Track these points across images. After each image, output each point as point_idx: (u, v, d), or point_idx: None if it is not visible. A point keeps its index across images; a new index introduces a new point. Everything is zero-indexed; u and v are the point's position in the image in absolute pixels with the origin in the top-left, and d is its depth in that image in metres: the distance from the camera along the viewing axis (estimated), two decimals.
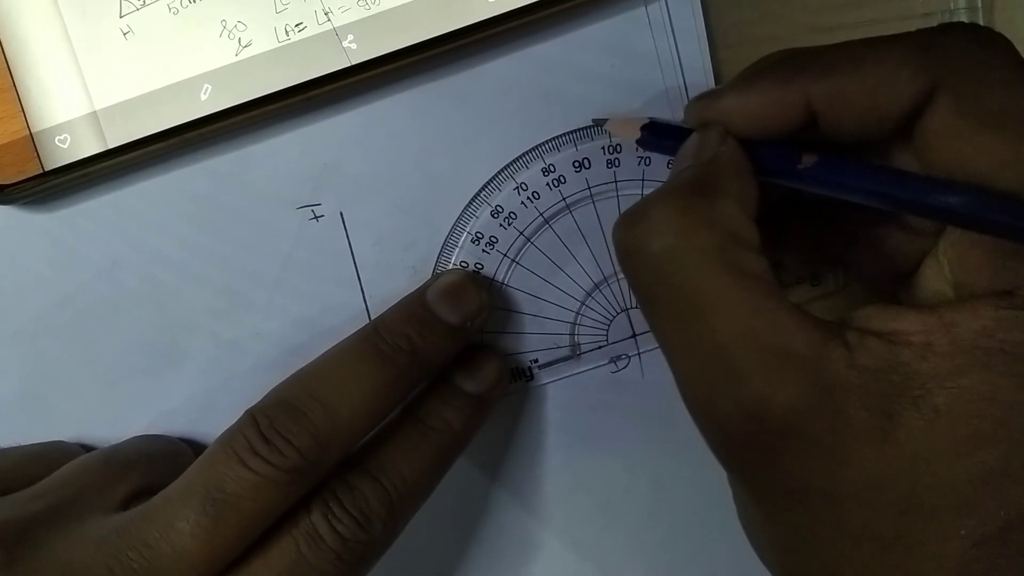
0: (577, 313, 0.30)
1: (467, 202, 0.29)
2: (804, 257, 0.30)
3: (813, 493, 0.20)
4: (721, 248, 0.21)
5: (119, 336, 0.28)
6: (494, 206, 0.29)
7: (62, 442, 0.28)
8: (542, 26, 0.27)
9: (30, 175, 0.26)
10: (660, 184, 0.23)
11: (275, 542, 0.24)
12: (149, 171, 0.27)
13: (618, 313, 0.30)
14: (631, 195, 0.29)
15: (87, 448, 0.28)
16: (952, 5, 0.29)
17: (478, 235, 0.29)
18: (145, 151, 0.26)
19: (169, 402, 0.29)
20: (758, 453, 0.21)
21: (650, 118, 0.26)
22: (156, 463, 0.27)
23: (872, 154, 0.24)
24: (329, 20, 0.26)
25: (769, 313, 0.20)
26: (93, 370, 0.28)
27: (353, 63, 0.26)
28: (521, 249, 0.29)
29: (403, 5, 0.26)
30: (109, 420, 0.28)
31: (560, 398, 0.31)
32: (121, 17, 0.25)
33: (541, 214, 0.29)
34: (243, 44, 0.26)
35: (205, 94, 0.26)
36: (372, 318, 0.29)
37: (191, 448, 0.29)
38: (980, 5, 0.29)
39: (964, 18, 0.29)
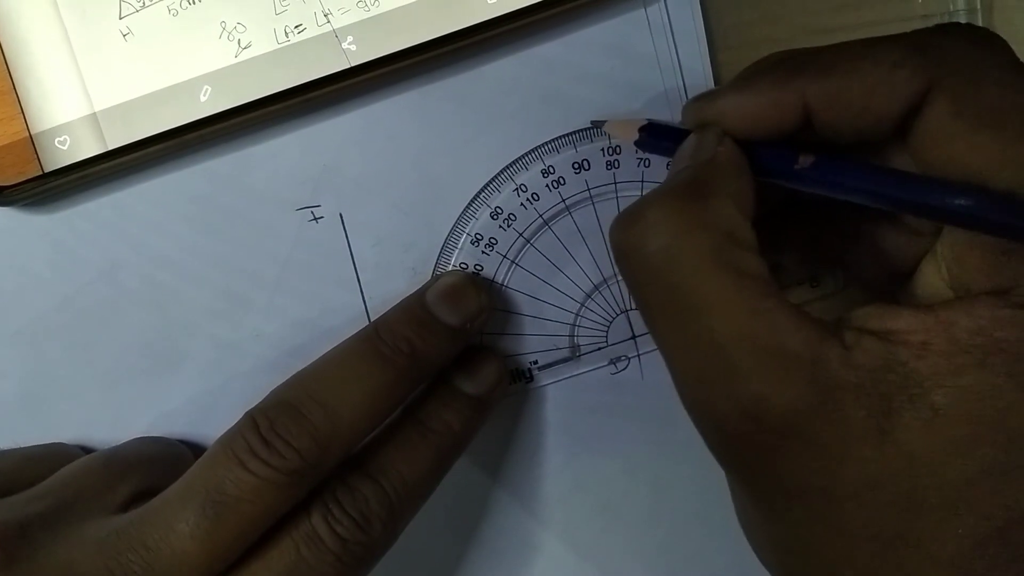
0: (577, 315, 0.30)
1: (467, 203, 0.29)
2: (803, 258, 0.30)
3: (812, 493, 0.20)
4: (718, 248, 0.21)
5: (119, 337, 0.28)
6: (494, 207, 0.29)
7: (62, 444, 0.28)
8: (541, 28, 0.27)
9: (30, 176, 0.26)
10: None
11: (275, 544, 0.24)
12: (149, 172, 0.27)
13: (618, 315, 0.30)
14: (630, 196, 0.29)
15: (87, 450, 0.28)
16: (951, 7, 0.30)
17: (478, 236, 0.29)
18: (145, 152, 0.26)
19: (169, 403, 0.29)
20: (756, 453, 0.21)
21: (648, 120, 0.26)
22: (156, 465, 0.27)
23: (869, 154, 0.24)
24: (329, 22, 0.26)
25: (766, 313, 0.20)
26: (93, 371, 0.28)
27: (353, 64, 0.26)
28: (521, 250, 0.29)
29: (403, 7, 0.26)
30: (109, 422, 0.29)
31: (560, 399, 0.31)
32: (121, 19, 0.26)
33: (541, 215, 0.29)
34: (243, 45, 0.26)
35: (205, 95, 0.26)
36: (372, 319, 0.29)
37: (191, 450, 0.29)
38: (979, 7, 0.29)
39: (963, 20, 0.29)
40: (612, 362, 0.31)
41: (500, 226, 0.29)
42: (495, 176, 0.29)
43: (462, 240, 0.29)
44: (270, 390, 0.25)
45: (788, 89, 0.22)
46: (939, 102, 0.21)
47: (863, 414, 0.19)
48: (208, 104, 0.26)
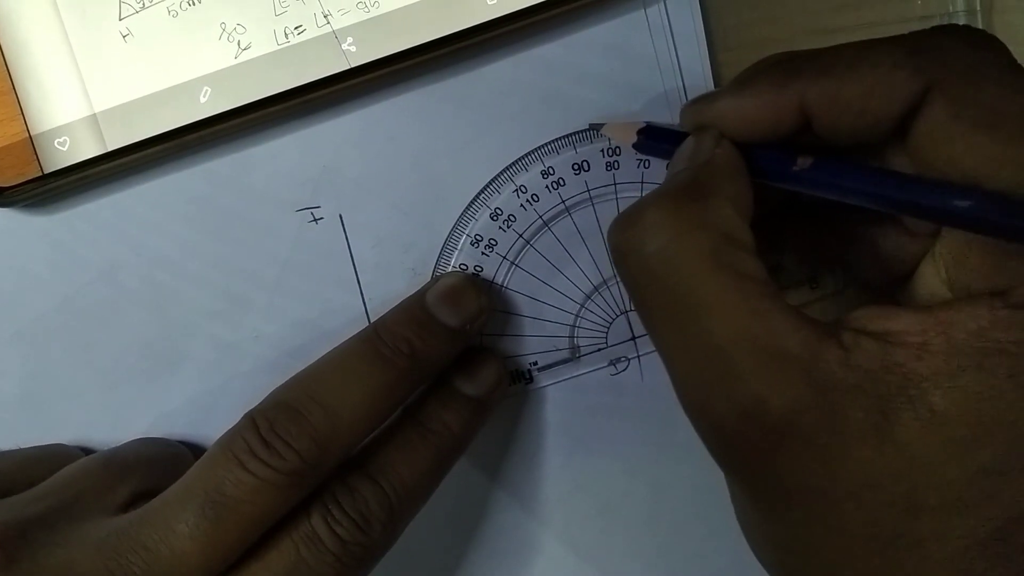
0: (576, 315, 0.30)
1: (466, 204, 0.29)
2: (802, 259, 0.30)
3: (811, 493, 0.20)
4: (715, 249, 0.21)
5: (119, 338, 0.28)
6: (493, 208, 0.29)
7: (62, 445, 0.28)
8: (541, 29, 0.27)
9: (30, 177, 0.26)
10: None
11: (274, 545, 0.24)
12: (149, 173, 0.27)
13: (617, 316, 0.30)
14: (630, 197, 0.29)
15: (87, 451, 0.28)
16: (951, 8, 0.30)
17: (477, 237, 0.29)
18: (144, 153, 0.26)
19: (168, 404, 0.29)
20: (755, 454, 0.21)
21: (646, 122, 0.26)
22: (156, 466, 0.27)
23: (867, 156, 0.24)
24: (328, 23, 0.26)
25: (764, 314, 0.20)
26: (92, 372, 0.28)
27: (352, 66, 0.26)
28: (520, 251, 0.29)
29: (402, 8, 0.26)
30: (109, 422, 0.29)
31: (559, 400, 0.31)
32: (120, 20, 0.26)
33: (540, 216, 0.29)
34: (242, 47, 0.26)
35: (204, 96, 0.26)
36: (371, 320, 0.29)
37: (190, 451, 0.29)
38: (979, 8, 0.29)
39: (963, 21, 0.29)
40: (612, 363, 0.31)
41: (500, 227, 0.29)
42: (495, 177, 0.29)
43: (462, 241, 0.29)
44: (270, 391, 0.25)
45: (786, 91, 0.22)
46: (937, 103, 0.21)
47: (862, 415, 0.19)
48: (208, 105, 0.26)
